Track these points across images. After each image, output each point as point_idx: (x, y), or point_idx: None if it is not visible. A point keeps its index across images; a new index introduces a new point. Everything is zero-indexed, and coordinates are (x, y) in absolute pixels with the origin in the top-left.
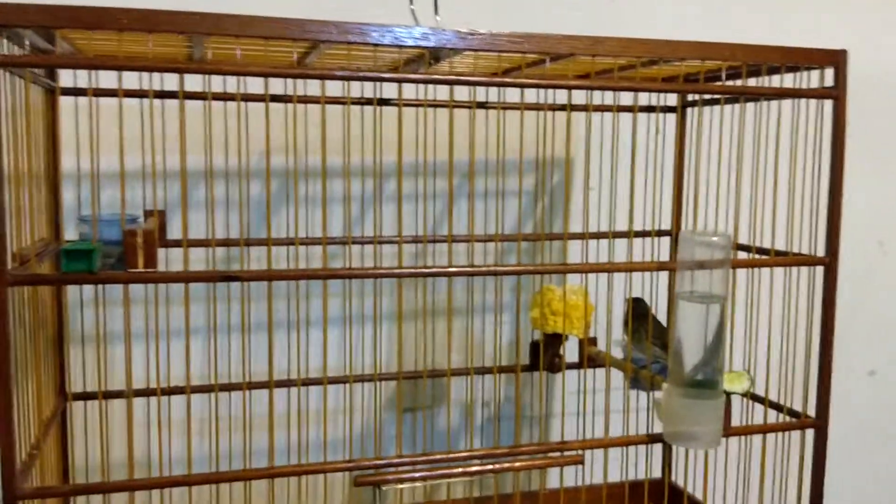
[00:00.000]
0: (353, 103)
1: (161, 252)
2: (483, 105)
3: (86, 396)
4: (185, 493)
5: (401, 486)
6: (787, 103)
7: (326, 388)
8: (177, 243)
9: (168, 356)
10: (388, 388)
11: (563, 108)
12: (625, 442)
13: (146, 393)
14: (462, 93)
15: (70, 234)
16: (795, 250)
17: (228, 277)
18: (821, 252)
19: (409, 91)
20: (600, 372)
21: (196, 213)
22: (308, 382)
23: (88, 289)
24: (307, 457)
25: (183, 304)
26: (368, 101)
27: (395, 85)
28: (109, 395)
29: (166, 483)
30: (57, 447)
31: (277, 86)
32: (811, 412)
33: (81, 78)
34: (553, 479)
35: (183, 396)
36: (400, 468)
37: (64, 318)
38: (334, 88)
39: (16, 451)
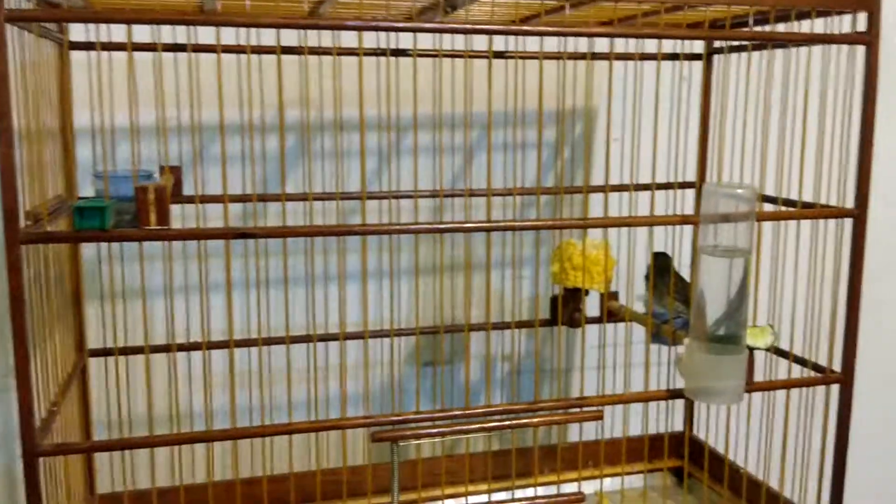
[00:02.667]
0: (367, 54)
1: (177, 208)
2: (501, 55)
3: (105, 353)
4: (206, 448)
5: (418, 441)
6: (816, 49)
7: (344, 343)
8: (192, 199)
9: (186, 312)
10: (407, 344)
11: (584, 56)
12: (644, 398)
13: (164, 349)
14: (480, 43)
15: (86, 190)
16: (823, 202)
17: (242, 235)
18: (850, 204)
19: (425, 42)
20: (621, 327)
21: (212, 169)
22: (325, 338)
23: (105, 245)
24: (327, 412)
25: (200, 261)
26: (382, 52)
27: (409, 36)
28: (128, 351)
29: (187, 439)
30: (79, 404)
31: (290, 39)
32: (836, 367)
33: (92, 31)
34: (573, 433)
35: (202, 352)
36: (418, 424)
37: (81, 274)
38: (348, 40)
39: (34, 408)
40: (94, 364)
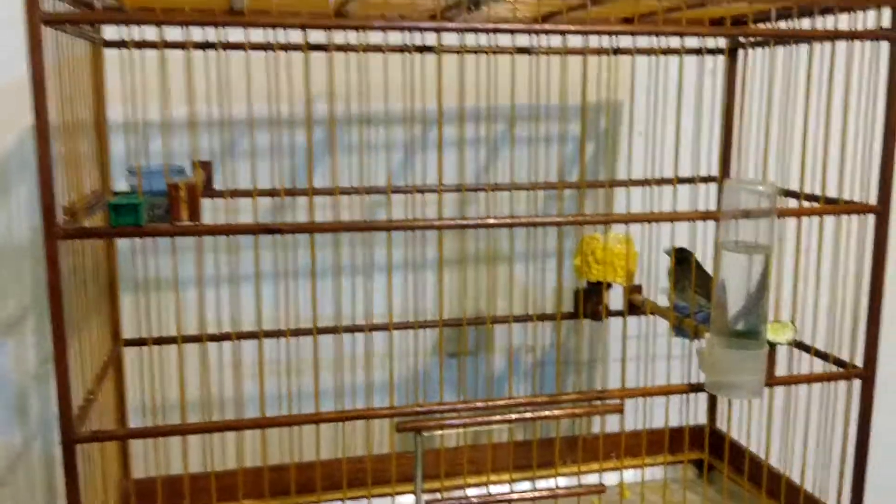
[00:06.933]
0: (391, 51)
1: (208, 202)
2: (524, 50)
3: (139, 342)
4: (235, 436)
5: (441, 432)
6: (840, 45)
7: (370, 334)
8: (223, 194)
9: (217, 303)
10: (432, 336)
11: (606, 52)
12: (664, 391)
13: (196, 339)
14: (504, 38)
15: (121, 184)
16: (847, 198)
17: (270, 230)
18: (873, 200)
19: (450, 37)
20: (644, 320)
21: (242, 163)
22: (352, 329)
23: (138, 239)
24: (353, 401)
25: (231, 253)
26: (407, 49)
27: (434, 33)
28: (161, 341)
29: (217, 428)
30: (115, 392)
31: (318, 34)
32: (858, 362)
33: (124, 30)
34: (596, 424)
35: (232, 343)
36: (442, 414)
37: (115, 266)
38: (375, 37)
39: (72, 396)
40: (127, 353)
